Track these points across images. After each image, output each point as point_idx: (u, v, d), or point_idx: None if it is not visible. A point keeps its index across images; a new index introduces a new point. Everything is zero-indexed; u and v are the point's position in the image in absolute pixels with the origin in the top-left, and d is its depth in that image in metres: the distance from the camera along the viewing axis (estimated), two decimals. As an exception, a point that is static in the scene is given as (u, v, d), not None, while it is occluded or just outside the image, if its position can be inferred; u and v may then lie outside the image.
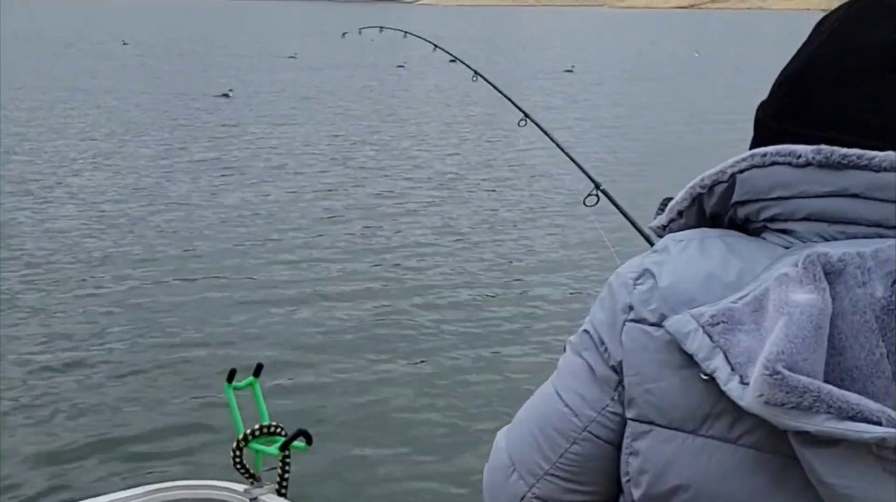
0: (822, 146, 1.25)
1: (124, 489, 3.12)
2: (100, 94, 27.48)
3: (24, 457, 6.07)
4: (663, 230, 1.42)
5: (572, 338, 1.42)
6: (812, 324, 1.12)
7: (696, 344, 1.19)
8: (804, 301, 1.13)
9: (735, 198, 1.31)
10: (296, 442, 3.08)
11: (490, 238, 12.04)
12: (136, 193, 14.17)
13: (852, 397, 1.10)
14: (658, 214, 1.44)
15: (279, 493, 3.17)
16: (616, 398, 1.34)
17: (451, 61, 5.46)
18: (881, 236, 1.22)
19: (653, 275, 1.30)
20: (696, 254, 1.30)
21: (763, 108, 1.42)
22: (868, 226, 1.24)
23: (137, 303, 9.18)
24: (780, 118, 1.38)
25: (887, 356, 1.14)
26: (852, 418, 1.09)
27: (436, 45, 8.35)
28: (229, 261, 10.75)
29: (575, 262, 10.84)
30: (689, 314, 1.21)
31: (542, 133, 4.50)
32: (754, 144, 1.39)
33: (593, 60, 43.26)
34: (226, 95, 26.69)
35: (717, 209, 1.35)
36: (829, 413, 1.09)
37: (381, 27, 11.56)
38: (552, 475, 1.41)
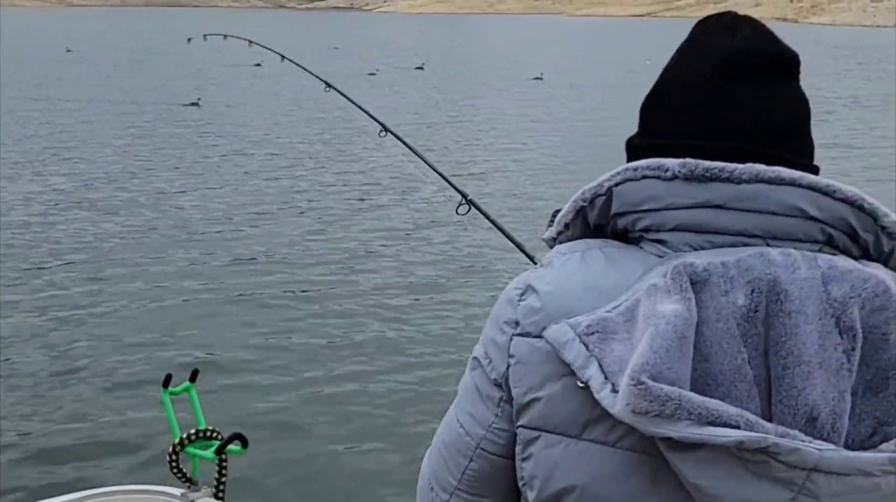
0: (688, 160, 1.32)
1: (60, 495, 3.14)
2: (51, 101, 27.30)
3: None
4: (553, 242, 1.48)
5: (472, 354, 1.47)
6: (676, 334, 1.18)
7: (573, 353, 1.25)
8: (669, 311, 1.19)
9: (613, 209, 1.37)
10: (231, 446, 3.11)
11: (383, 249, 12.13)
12: (73, 198, 14.26)
13: (712, 403, 1.16)
14: (549, 226, 1.50)
15: (216, 497, 3.20)
16: (500, 414, 1.40)
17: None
18: (745, 245, 1.29)
19: (535, 290, 1.36)
20: (576, 267, 1.37)
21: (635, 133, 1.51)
22: (733, 235, 1.30)
23: (73, 309, 9.23)
24: (644, 135, 1.46)
25: (749, 361, 1.20)
26: (712, 423, 1.15)
27: (283, 56, 8.49)
28: (165, 267, 10.84)
29: (449, 268, 11.09)
30: (567, 324, 1.28)
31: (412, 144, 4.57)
32: (628, 161, 1.44)
33: (549, 69, 43.33)
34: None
35: (599, 220, 1.41)
36: (689, 419, 1.15)
37: (226, 35, 11.88)
38: (460, 491, 1.48)
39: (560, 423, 1.31)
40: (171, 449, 3.14)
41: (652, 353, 1.16)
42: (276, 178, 16.61)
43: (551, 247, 1.48)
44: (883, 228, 1.31)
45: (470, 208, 3.87)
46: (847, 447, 1.18)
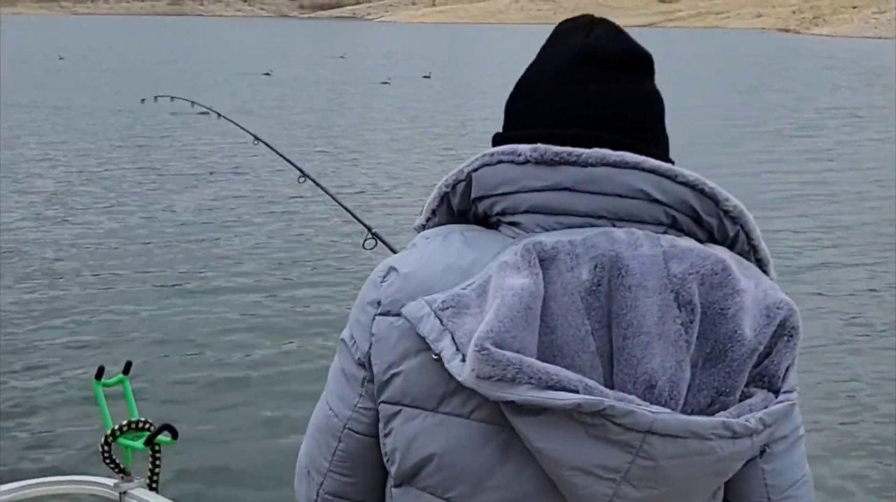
0: (539, 145, 1.40)
1: (-8, 485, 3.18)
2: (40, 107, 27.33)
3: None
4: (423, 229, 1.55)
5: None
6: (522, 304, 1.24)
7: (428, 327, 1.31)
8: (517, 285, 1.26)
9: (472, 194, 1.45)
10: (161, 437, 3.14)
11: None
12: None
13: (552, 368, 1.22)
14: (420, 215, 1.58)
15: (150, 487, 3.23)
16: (364, 394, 1.47)
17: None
18: (592, 225, 1.36)
19: (397, 271, 1.43)
20: (437, 248, 1.44)
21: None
22: (580, 216, 1.37)
23: (8, 299, 9.41)
24: (507, 127, 1.54)
25: (592, 333, 1.27)
26: (552, 387, 1.21)
27: (219, 114, 9.04)
28: (101, 259, 11.17)
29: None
30: (424, 300, 1.34)
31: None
32: None
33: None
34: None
35: (461, 206, 1.49)
36: (530, 383, 1.21)
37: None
38: (332, 472, 1.54)
39: (417, 396, 1.37)
40: (103, 439, 3.16)
41: (497, 322, 1.23)
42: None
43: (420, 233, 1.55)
44: (725, 212, 1.38)
45: (376, 243, 3.92)
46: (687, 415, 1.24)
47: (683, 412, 1.25)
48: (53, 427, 6.55)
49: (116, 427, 3.17)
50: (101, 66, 47.05)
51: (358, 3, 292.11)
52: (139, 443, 3.17)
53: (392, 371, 1.40)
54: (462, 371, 1.25)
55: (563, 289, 1.28)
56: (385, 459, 1.46)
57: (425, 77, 44.49)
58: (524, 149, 1.40)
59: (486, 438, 1.33)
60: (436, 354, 1.31)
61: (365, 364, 1.45)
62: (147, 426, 3.22)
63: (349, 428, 1.49)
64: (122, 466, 3.24)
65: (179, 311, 9.53)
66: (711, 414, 1.25)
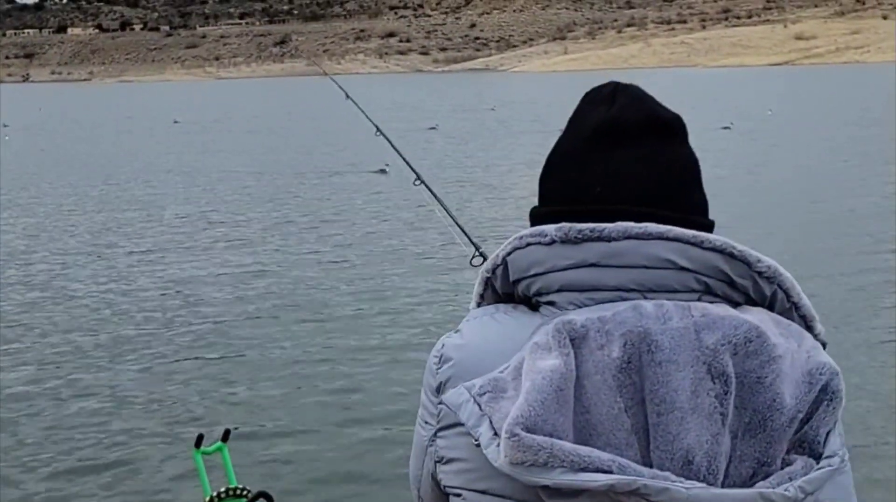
0: (563, 224, 1.42)
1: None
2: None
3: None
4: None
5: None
6: (552, 387, 1.25)
7: (467, 413, 1.34)
8: (547, 367, 1.29)
9: (511, 277, 1.48)
10: (258, 503, 3.21)
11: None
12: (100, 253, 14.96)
13: (584, 450, 1.23)
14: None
15: (247, 554, 3.30)
16: (426, 473, 1.52)
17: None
18: (623, 298, 1.36)
19: (448, 357, 1.47)
20: (479, 331, 1.48)
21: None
22: (610, 290, 1.38)
23: (107, 368, 9.57)
24: (541, 201, 1.58)
25: (626, 410, 1.27)
26: (584, 469, 1.22)
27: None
28: (195, 326, 11.13)
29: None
30: (463, 386, 1.37)
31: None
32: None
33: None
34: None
35: (504, 289, 1.52)
36: (563, 467, 1.22)
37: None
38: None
39: (472, 480, 1.40)
40: None
41: (527, 406, 1.24)
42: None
43: None
44: (759, 273, 1.37)
45: (483, 260, 3.89)
46: (729, 488, 1.24)
47: (725, 485, 1.24)
48: (153, 493, 6.67)
49: (215, 494, 3.24)
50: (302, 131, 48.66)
51: (490, 56, 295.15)
52: None
53: (451, 454, 1.44)
54: (497, 457, 1.27)
55: (594, 367, 1.28)
56: None
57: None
58: (550, 229, 1.42)
59: None
60: (476, 440, 1.32)
61: (428, 448, 1.50)
62: (245, 493, 3.27)
63: (421, 498, 1.57)
64: (220, 533, 3.31)
65: (283, 374, 9.54)
66: (753, 484, 1.24)
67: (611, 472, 1.21)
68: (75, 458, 7.35)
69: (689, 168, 1.51)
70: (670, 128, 1.50)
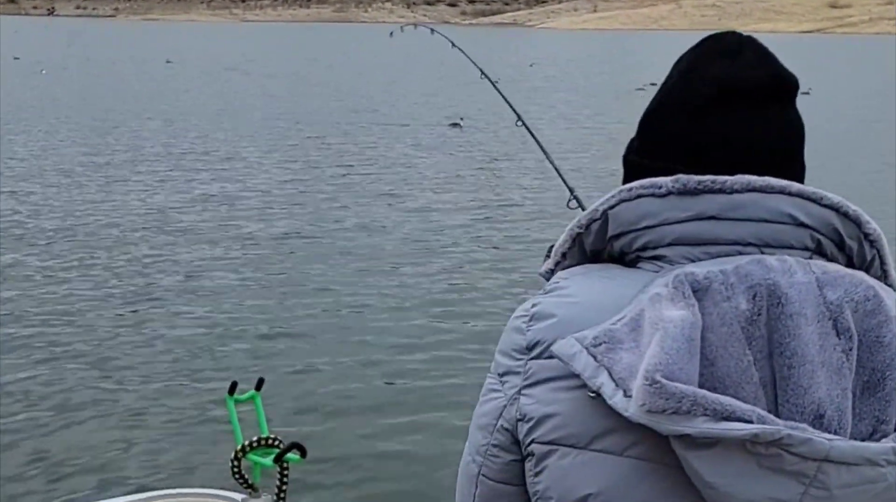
0: (680, 175, 1.38)
1: (124, 495, 3.26)
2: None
3: (22, 459, 6.33)
4: (551, 274, 1.54)
5: (488, 375, 1.51)
6: (684, 336, 1.22)
7: (582, 364, 1.29)
8: (676, 316, 1.23)
9: (610, 232, 1.43)
10: (290, 455, 3.17)
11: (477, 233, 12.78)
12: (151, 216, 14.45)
13: (725, 399, 1.19)
14: (545, 260, 1.56)
15: (277, 504, 3.26)
16: (494, 443, 1.47)
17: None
18: (740, 253, 1.34)
19: (542, 315, 1.42)
20: (579, 289, 1.42)
21: (629, 146, 1.58)
22: (727, 244, 1.36)
23: (145, 314, 9.52)
24: (640, 153, 1.53)
25: (754, 363, 1.24)
26: (727, 418, 1.18)
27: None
28: (234, 276, 10.97)
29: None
30: (573, 337, 1.31)
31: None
32: (624, 180, 1.53)
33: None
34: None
35: (595, 246, 1.48)
36: (705, 415, 1.18)
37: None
38: None
39: (569, 435, 1.36)
40: (233, 455, 3.22)
41: (664, 355, 1.22)
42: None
43: (547, 280, 1.53)
44: (866, 235, 1.39)
45: (579, 204, 3.84)
46: None
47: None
48: (184, 440, 6.65)
49: (247, 443, 3.22)
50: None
51: (518, 10, 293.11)
52: (268, 460, 3.20)
53: (543, 410, 1.39)
54: (628, 406, 1.24)
55: (720, 319, 1.26)
56: (534, 499, 1.44)
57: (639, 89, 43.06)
58: (665, 181, 1.39)
59: (642, 476, 1.31)
60: (593, 391, 1.29)
61: (507, 408, 1.44)
62: (277, 443, 3.26)
63: (483, 475, 1.50)
64: (250, 482, 3.28)
65: (320, 321, 9.49)
66: (876, 442, 1.22)
67: (751, 422, 1.18)
68: (107, 403, 7.35)
69: (801, 133, 1.49)
70: (792, 91, 1.47)
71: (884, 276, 1.40)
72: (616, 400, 1.25)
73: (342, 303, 10.09)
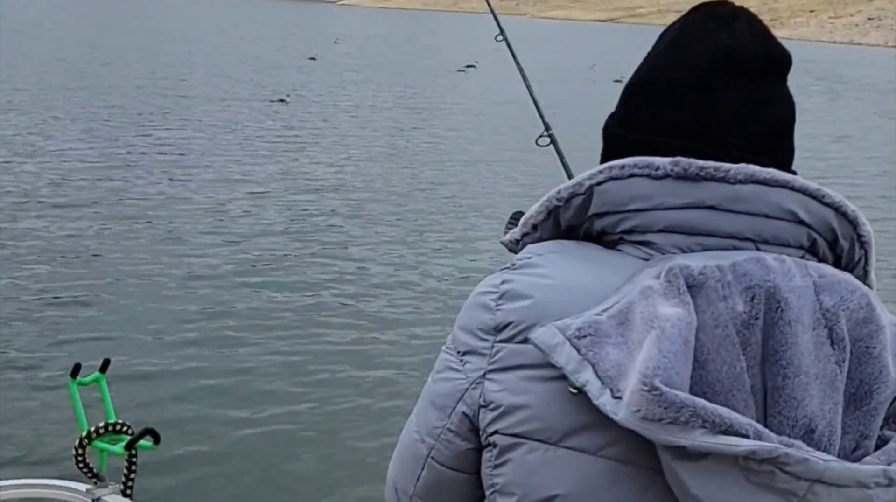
0: (680, 158, 1.29)
1: (-44, 487, 2.98)
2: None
3: None
4: (516, 244, 1.43)
5: (443, 347, 1.42)
6: (681, 337, 1.14)
7: (565, 356, 1.20)
8: (672, 314, 1.15)
9: (592, 210, 1.33)
10: (142, 442, 2.95)
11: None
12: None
13: (724, 411, 1.12)
14: (509, 227, 1.50)
15: (124, 494, 3.04)
16: (450, 428, 1.37)
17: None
18: (736, 248, 1.27)
19: (515, 293, 1.31)
20: (557, 267, 1.32)
21: (611, 117, 1.47)
22: (724, 237, 1.28)
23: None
24: (626, 126, 1.42)
25: (747, 370, 1.17)
26: (724, 432, 1.11)
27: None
28: (75, 251, 10.31)
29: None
30: (555, 327, 1.22)
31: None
32: (605, 155, 1.43)
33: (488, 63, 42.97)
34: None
35: (573, 221, 1.37)
36: (703, 427, 1.11)
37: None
38: (416, 496, 1.46)
39: (539, 429, 1.27)
40: (77, 442, 2.97)
41: (662, 358, 1.13)
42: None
43: (511, 251, 1.44)
44: (859, 236, 1.32)
45: (550, 142, 3.73)
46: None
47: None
48: (24, 427, 6.16)
49: (92, 429, 2.99)
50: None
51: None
52: (118, 448, 2.99)
53: (512, 399, 1.30)
54: (617, 409, 1.15)
55: (714, 320, 1.18)
56: (489, 491, 1.35)
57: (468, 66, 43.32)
58: (662, 162, 1.30)
59: (615, 478, 1.24)
60: (575, 387, 1.21)
61: (469, 392, 1.35)
62: (125, 429, 3.04)
63: (433, 458, 1.41)
64: (95, 471, 3.05)
65: (173, 296, 8.99)
66: (856, 459, 1.19)
67: (747, 436, 1.11)
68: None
69: (794, 111, 1.43)
70: (786, 67, 1.40)
71: (864, 276, 1.37)
72: (603, 400, 1.17)
73: (192, 272, 9.72)
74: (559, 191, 1.36)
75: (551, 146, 3.69)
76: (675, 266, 1.20)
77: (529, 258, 1.36)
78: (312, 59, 40.56)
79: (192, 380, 7.18)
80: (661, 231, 1.29)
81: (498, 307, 1.32)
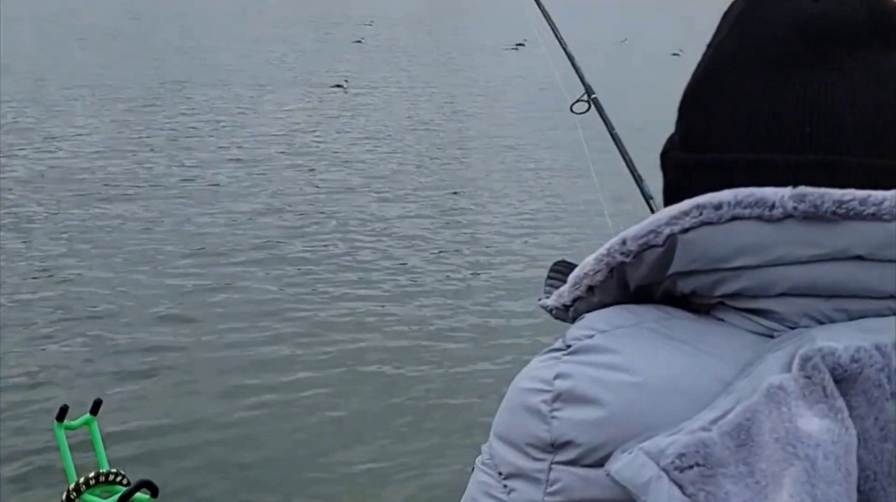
0: (805, 189, 0.89)
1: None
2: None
3: None
4: (565, 311, 1.04)
5: (478, 460, 1.04)
6: (841, 470, 0.80)
7: (663, 498, 0.83)
8: (824, 434, 0.80)
9: (676, 267, 0.95)
10: (138, 495, 2.67)
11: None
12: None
13: None
14: (550, 284, 1.08)
15: (118, 554, 2.76)
16: None
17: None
18: (894, 312, 0.89)
19: (577, 397, 0.94)
20: (634, 353, 0.93)
21: (669, 140, 1.06)
22: (878, 299, 0.90)
23: None
24: (685, 146, 1.03)
25: None
26: None
27: None
28: (64, 284, 9.20)
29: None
30: (644, 452, 0.85)
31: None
32: (669, 191, 1.05)
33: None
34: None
35: (646, 281, 0.98)
36: None
37: None
38: None
39: None
40: (64, 495, 2.72)
41: None
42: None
43: (559, 318, 1.06)
44: None
45: (589, 107, 3.41)
46: None
47: None
48: (4, 479, 5.70)
49: (81, 480, 2.73)
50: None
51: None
52: (112, 501, 2.71)
53: None
54: None
55: (880, 430, 0.83)
56: None
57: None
58: (779, 196, 0.89)
59: None
60: None
61: None
62: (120, 480, 2.78)
63: None
64: (86, 527, 2.77)
65: (163, 329, 8.16)
66: None
67: None
68: None
69: None
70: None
71: None
72: None
73: (198, 300, 8.91)
74: (624, 242, 0.96)
75: (586, 115, 3.35)
76: (813, 352, 0.82)
77: (591, 337, 0.96)
78: (358, 41, 39.91)
79: (197, 424, 6.62)
80: (782, 295, 0.91)
81: (553, 414, 0.94)
